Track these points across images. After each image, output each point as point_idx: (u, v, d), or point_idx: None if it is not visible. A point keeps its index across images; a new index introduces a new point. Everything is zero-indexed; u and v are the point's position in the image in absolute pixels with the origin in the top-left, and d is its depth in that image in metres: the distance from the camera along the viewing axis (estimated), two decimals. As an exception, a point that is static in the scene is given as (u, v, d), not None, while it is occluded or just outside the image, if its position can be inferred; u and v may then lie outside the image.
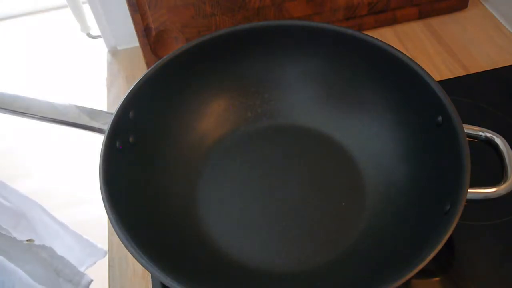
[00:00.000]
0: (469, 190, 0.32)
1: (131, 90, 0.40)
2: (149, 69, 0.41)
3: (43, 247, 0.57)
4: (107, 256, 0.44)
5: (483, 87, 0.53)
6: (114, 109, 0.39)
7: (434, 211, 0.34)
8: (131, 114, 0.40)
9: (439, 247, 0.30)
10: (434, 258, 0.30)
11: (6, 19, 1.87)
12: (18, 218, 0.58)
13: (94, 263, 0.69)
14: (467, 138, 0.35)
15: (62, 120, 0.40)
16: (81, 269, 0.64)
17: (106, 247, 0.45)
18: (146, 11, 0.54)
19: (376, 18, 0.60)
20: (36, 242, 0.57)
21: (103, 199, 0.34)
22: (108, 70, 0.61)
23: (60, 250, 0.60)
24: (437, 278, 0.39)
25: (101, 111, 0.41)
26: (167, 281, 0.30)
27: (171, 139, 0.44)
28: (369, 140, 0.45)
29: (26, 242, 0.56)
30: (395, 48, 0.41)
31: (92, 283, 0.64)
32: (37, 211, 0.63)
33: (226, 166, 0.45)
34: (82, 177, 1.25)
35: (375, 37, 0.42)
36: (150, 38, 0.56)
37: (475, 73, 0.55)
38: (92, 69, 1.53)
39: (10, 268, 0.56)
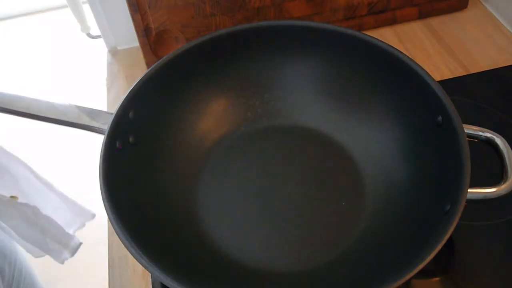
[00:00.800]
0: (469, 190, 0.32)
1: (131, 90, 0.40)
2: (149, 69, 0.41)
3: (27, 205, 0.54)
4: (107, 256, 0.44)
5: (483, 87, 0.53)
6: (114, 109, 0.39)
7: (434, 211, 0.34)
8: (131, 114, 0.40)
9: (439, 247, 0.30)
10: (434, 258, 0.30)
11: (6, 19, 1.87)
12: (1, 172, 0.55)
13: (83, 225, 0.65)
14: (467, 138, 0.35)
15: (62, 120, 0.40)
16: (69, 231, 0.61)
17: (105, 247, 0.45)
18: (146, 11, 0.54)
19: (376, 18, 0.60)
20: (20, 200, 0.54)
21: (103, 199, 0.34)
22: (108, 70, 0.61)
23: (46, 210, 0.57)
24: (437, 278, 0.39)
25: (101, 111, 0.41)
26: (167, 281, 0.30)
27: (171, 139, 0.44)
28: (369, 140, 0.45)
29: (10, 198, 0.53)
30: (395, 48, 0.41)
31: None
32: (21, 168, 0.59)
33: (226, 166, 0.45)
34: (82, 177, 1.24)
35: (375, 37, 0.42)
36: (150, 38, 0.56)
37: (475, 73, 0.55)
38: (92, 69, 1.53)
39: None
